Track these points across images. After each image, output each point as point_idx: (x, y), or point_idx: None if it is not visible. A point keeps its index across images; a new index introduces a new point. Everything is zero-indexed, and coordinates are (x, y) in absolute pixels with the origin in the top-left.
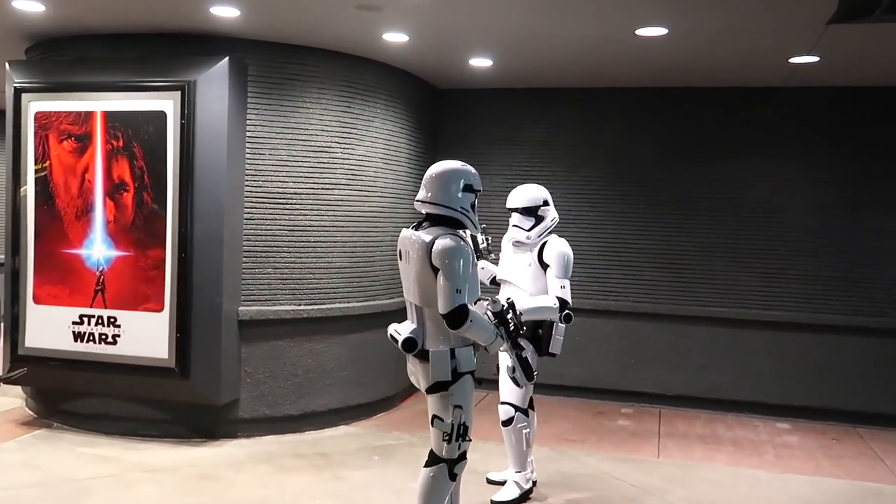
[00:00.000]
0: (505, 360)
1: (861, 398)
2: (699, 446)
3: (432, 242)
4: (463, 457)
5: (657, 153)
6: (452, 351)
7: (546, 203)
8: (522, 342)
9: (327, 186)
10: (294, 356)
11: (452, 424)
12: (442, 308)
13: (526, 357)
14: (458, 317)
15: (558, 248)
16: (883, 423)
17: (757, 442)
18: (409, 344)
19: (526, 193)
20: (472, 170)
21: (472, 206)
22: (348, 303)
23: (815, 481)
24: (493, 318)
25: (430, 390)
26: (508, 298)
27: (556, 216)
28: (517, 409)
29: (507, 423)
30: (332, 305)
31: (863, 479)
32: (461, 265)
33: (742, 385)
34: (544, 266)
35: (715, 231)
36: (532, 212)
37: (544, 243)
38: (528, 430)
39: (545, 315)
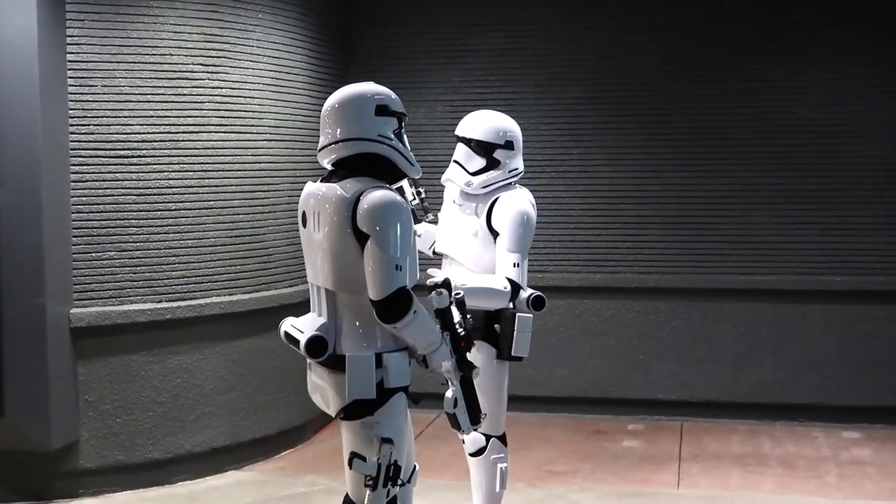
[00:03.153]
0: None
1: None
2: (736, 470)
3: (357, 197)
4: None
5: (667, 64)
6: (379, 357)
7: (510, 145)
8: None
9: (191, 129)
10: (155, 376)
11: (379, 465)
12: (374, 293)
13: (471, 383)
14: (397, 305)
15: (513, 207)
16: None
17: (816, 459)
18: (315, 346)
19: (487, 122)
20: (385, 90)
21: (398, 136)
22: (231, 295)
23: None
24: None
25: (346, 415)
26: (457, 292)
27: (521, 168)
28: (489, 437)
29: (477, 453)
30: (208, 301)
31: None
32: (400, 230)
33: (795, 382)
34: (494, 233)
35: (750, 171)
36: (488, 149)
37: (496, 200)
38: (504, 463)
39: (490, 302)
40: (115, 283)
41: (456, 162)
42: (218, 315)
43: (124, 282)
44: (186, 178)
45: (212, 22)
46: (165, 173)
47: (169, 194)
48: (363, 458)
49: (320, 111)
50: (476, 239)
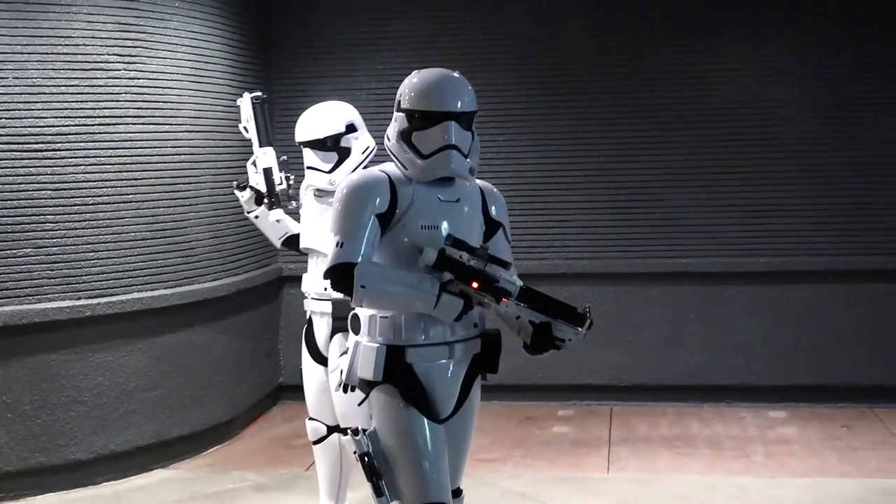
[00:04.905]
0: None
1: (882, 369)
2: (665, 452)
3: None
4: None
5: (590, 50)
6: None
7: (352, 128)
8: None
9: (107, 122)
10: (76, 375)
11: (355, 453)
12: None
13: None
14: (339, 282)
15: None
16: None
17: (743, 439)
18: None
19: (321, 117)
20: None
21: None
22: (152, 291)
23: (818, 484)
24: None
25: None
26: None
27: (372, 143)
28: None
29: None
30: (128, 297)
31: (881, 475)
32: (344, 208)
33: (722, 364)
34: None
35: (674, 155)
36: (333, 144)
37: None
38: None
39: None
40: (31, 280)
41: (311, 168)
42: (140, 311)
43: (41, 279)
44: (104, 172)
45: (127, 10)
46: (82, 167)
47: (86, 188)
48: (355, 433)
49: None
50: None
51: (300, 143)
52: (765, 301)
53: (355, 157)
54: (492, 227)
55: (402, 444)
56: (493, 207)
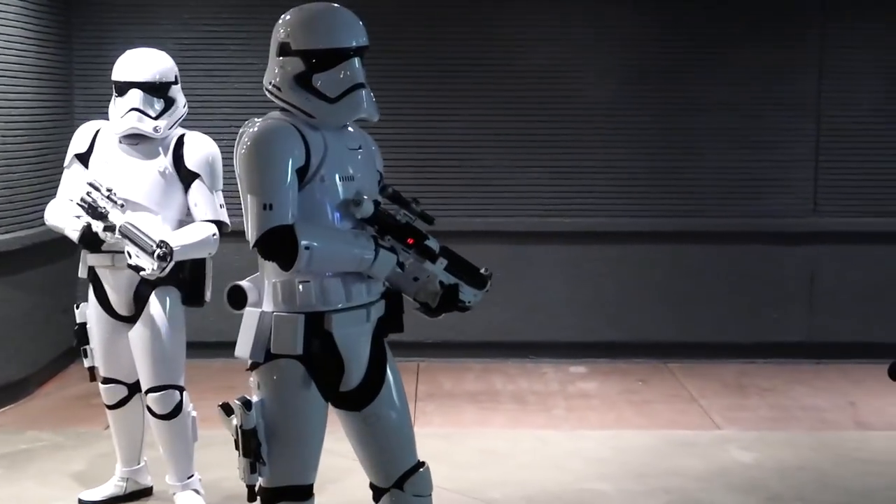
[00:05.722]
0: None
1: (674, 326)
2: (469, 407)
3: None
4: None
5: (405, 8)
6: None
7: (177, 80)
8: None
9: None
10: None
11: (235, 426)
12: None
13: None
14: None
15: (207, 148)
16: (700, 354)
17: (545, 394)
18: (232, 295)
19: (155, 62)
20: None
21: None
22: None
23: (615, 436)
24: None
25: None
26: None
27: (185, 101)
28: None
29: (172, 414)
30: None
31: (673, 426)
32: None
33: (526, 321)
34: (186, 175)
35: (483, 115)
36: (162, 90)
37: (180, 142)
38: (194, 413)
39: (205, 252)
40: None
41: (135, 109)
42: None
43: None
44: None
45: None
46: None
47: None
48: (247, 405)
49: (36, 44)
50: (161, 180)
51: (125, 83)
52: (568, 260)
53: (179, 111)
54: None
55: (290, 424)
56: (378, 156)
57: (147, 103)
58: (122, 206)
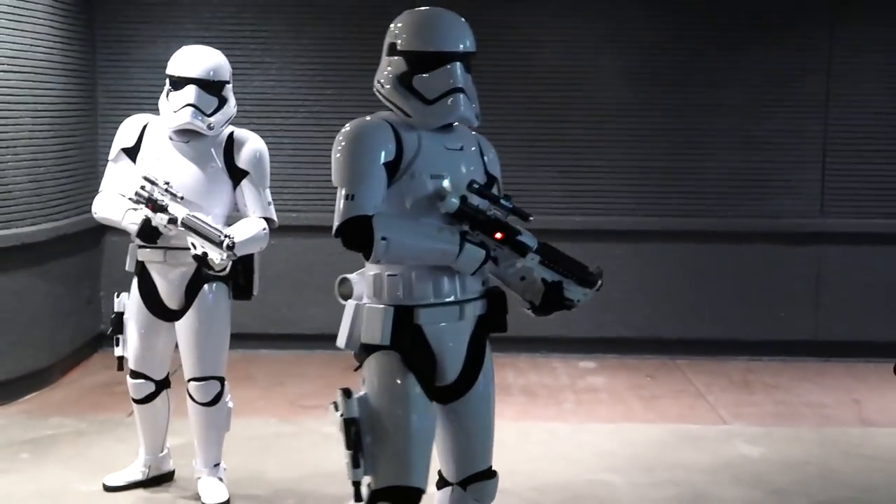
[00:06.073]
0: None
1: (682, 323)
2: None
3: None
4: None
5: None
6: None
7: (230, 80)
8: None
9: None
10: None
11: (342, 417)
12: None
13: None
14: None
15: (256, 146)
16: (707, 351)
17: (555, 388)
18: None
19: (214, 60)
20: None
21: None
22: None
23: (623, 430)
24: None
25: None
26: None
27: (236, 103)
28: (217, 378)
29: (213, 402)
30: None
31: (680, 421)
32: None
33: (537, 317)
34: (236, 173)
35: (498, 116)
36: (217, 88)
37: (230, 140)
38: (231, 404)
39: (258, 247)
40: None
41: (189, 105)
42: None
43: None
44: None
45: None
46: None
47: None
48: (347, 394)
49: (62, 42)
50: (213, 177)
51: (182, 78)
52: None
53: (230, 110)
54: (489, 180)
55: (390, 413)
56: (487, 157)
57: (202, 100)
58: (181, 198)
